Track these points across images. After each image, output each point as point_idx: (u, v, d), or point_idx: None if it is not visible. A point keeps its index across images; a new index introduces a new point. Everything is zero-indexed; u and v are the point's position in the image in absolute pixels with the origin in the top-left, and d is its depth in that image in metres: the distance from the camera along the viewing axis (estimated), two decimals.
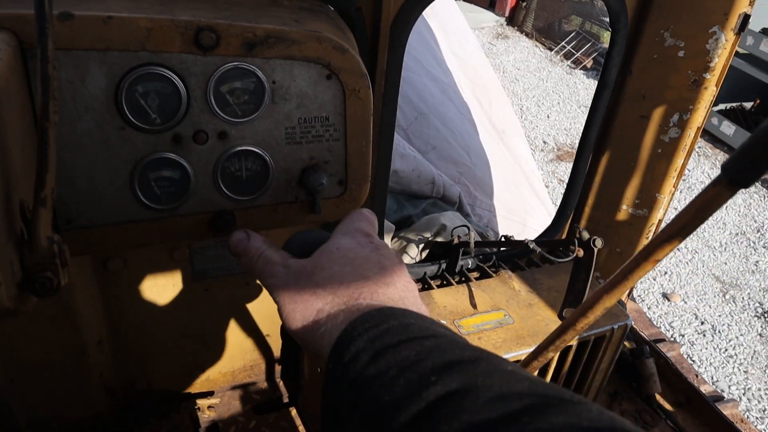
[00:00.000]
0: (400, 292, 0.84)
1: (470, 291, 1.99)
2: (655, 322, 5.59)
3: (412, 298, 0.87)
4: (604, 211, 2.29)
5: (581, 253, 1.60)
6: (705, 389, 2.81)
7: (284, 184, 1.34)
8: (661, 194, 2.16)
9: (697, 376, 2.98)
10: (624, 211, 2.24)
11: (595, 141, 2.17)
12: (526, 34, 12.01)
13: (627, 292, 0.87)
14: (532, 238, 2.10)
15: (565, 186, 2.33)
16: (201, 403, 2.15)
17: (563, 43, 10.94)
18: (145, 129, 1.18)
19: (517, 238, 2.14)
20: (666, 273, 6.14)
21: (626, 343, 2.45)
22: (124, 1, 1.16)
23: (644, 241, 2.25)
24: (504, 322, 1.91)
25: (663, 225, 2.26)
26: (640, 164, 2.13)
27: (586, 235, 1.62)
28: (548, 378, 1.96)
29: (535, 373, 1.48)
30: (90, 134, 1.14)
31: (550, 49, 11.27)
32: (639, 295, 5.82)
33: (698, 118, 1.99)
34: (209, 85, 1.20)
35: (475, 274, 2.14)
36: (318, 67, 1.26)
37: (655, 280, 6.03)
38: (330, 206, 1.39)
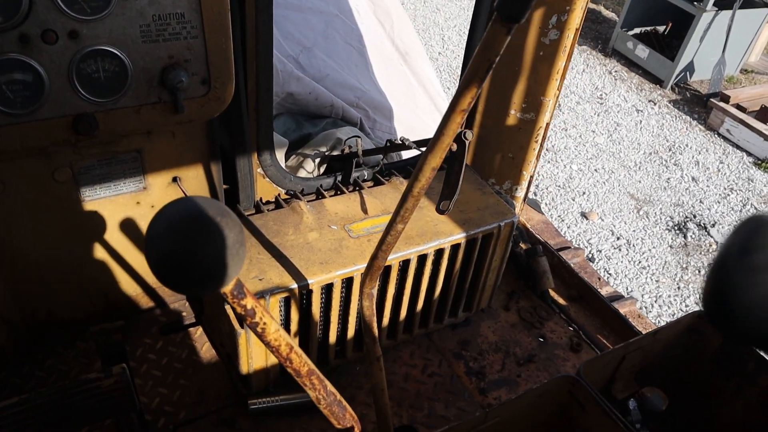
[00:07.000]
0: None
1: (362, 197, 2.04)
2: (574, 240, 5.83)
3: None
4: (494, 117, 2.35)
5: (455, 147, 1.66)
6: (606, 290, 2.98)
7: (145, 85, 1.34)
8: (545, 97, 2.24)
9: (599, 278, 3.16)
10: (512, 116, 2.31)
11: None
12: None
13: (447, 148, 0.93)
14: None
15: None
16: (107, 327, 2.16)
17: None
18: None
19: None
20: (584, 193, 6.37)
21: (522, 245, 2.56)
22: None
23: (534, 145, 2.34)
24: None
25: (550, 128, 2.36)
26: (524, 68, 2.20)
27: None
28: (441, 276, 2.05)
29: (392, 250, 1.36)
30: None
31: None
32: (559, 215, 6.03)
33: (575, 19, 2.06)
34: None
35: (369, 183, 2.19)
36: None
37: (574, 200, 6.25)
38: (195, 106, 1.40)
